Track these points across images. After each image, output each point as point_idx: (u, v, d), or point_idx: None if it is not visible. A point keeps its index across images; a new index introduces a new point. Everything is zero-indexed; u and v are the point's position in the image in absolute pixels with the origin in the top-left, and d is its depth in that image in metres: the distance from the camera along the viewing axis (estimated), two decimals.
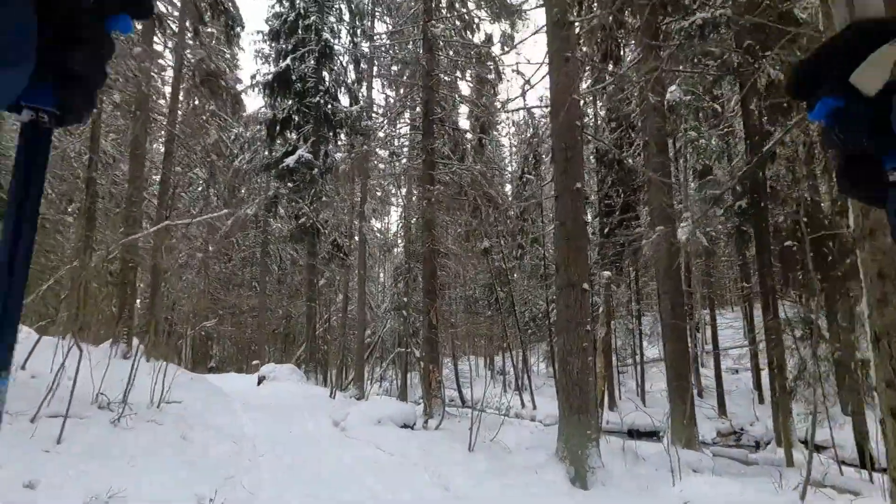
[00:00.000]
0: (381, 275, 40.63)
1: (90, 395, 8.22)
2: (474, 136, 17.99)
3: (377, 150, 24.65)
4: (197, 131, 15.92)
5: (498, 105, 20.44)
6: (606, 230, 23.49)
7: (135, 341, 17.47)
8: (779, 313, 13.84)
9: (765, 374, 19.39)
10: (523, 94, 14.25)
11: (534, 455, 9.19)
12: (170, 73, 16.44)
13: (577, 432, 7.43)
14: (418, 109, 19.43)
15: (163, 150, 17.17)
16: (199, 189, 26.87)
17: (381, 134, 27.01)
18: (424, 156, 15.91)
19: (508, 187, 28.17)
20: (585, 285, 7.72)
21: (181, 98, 16.32)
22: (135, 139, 14.91)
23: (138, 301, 18.35)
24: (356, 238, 24.39)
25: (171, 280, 25.37)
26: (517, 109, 25.16)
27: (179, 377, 13.61)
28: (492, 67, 20.58)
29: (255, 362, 22.93)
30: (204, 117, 17.59)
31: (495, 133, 22.34)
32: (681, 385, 10.53)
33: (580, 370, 7.59)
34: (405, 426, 10.31)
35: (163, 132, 15.48)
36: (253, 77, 26.94)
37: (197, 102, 18.36)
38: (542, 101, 25.50)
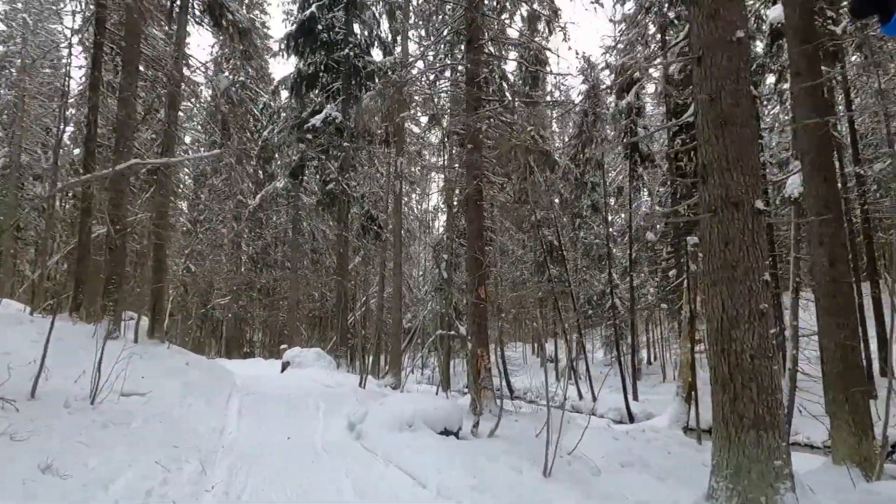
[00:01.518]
0: (422, 257, 37.47)
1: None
2: (527, 75, 14.46)
3: (415, 110, 21.39)
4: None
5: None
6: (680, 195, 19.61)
7: (134, 322, 14.78)
8: None
9: None
10: None
11: (648, 486, 5.79)
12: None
13: (756, 462, 3.96)
14: (460, 68, 16.07)
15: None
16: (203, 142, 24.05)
17: (417, 98, 23.76)
18: (469, 103, 12.51)
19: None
20: (759, 203, 4.25)
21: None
22: (124, 79, 12.03)
23: (131, 274, 15.56)
24: (391, 212, 21.30)
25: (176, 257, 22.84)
26: None
27: (171, 362, 10.73)
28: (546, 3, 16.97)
29: (282, 346, 20.09)
30: (210, 56, 14.61)
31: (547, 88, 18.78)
32: (850, 378, 6.90)
33: (756, 350, 4.12)
34: (446, 432, 7.01)
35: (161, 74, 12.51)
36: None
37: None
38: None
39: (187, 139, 23.55)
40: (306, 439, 7.06)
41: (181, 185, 29.79)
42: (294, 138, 19.32)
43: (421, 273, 37.63)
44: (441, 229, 32.42)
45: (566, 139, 23.60)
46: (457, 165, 22.37)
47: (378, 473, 5.36)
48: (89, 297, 12.53)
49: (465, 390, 26.03)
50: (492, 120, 12.45)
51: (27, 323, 9.87)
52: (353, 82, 19.40)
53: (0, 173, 24.15)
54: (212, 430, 6.82)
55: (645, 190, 22.68)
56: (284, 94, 24.91)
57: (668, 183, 20.64)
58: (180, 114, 18.30)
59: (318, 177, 20.51)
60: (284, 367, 17.11)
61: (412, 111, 19.69)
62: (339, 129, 18.44)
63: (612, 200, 24.31)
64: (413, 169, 26.32)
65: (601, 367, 27.56)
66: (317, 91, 19.51)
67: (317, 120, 18.23)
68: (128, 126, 11.66)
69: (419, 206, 32.51)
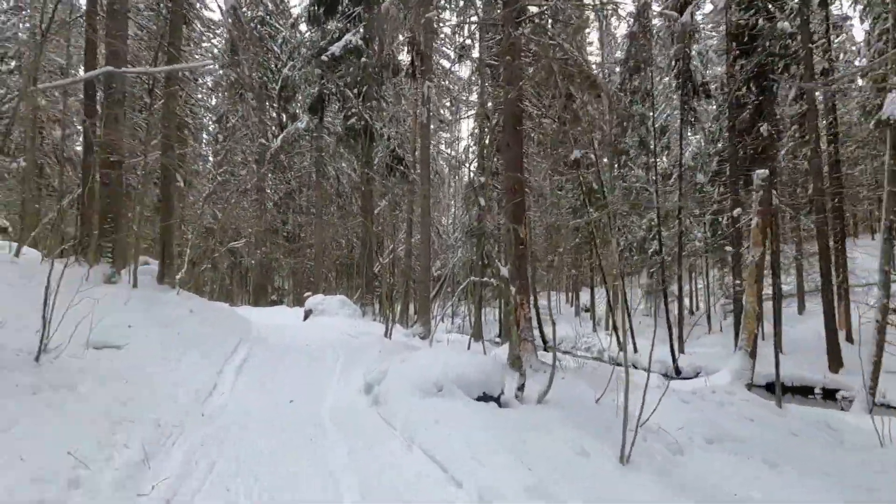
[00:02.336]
0: (452, 203, 35.66)
1: None
2: None
3: (443, 39, 19.23)
4: None
5: None
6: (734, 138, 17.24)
7: (145, 267, 13.56)
8: None
9: None
10: None
11: (760, 476, 4.18)
12: None
13: None
14: None
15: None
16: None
17: (447, 30, 21.48)
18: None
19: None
20: None
21: None
22: None
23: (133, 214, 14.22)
24: (418, 153, 19.49)
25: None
26: None
27: (171, 310, 9.40)
28: None
29: (306, 294, 18.85)
30: None
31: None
32: None
33: None
34: (485, 397, 5.47)
35: None
36: None
37: None
38: None
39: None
40: (312, 404, 5.61)
41: (203, 130, 28.38)
42: (313, 70, 17.45)
43: (450, 221, 35.94)
44: (472, 174, 30.50)
45: (612, 67, 21.10)
46: (490, 104, 20.33)
47: (396, 461, 3.84)
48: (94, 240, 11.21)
49: (498, 340, 24.70)
50: (536, 21, 10.39)
51: (6, 264, 8.61)
52: (377, 8, 17.28)
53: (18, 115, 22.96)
54: (194, 393, 5.41)
55: (695, 127, 20.30)
56: (304, 28, 22.90)
57: (727, 116, 18.22)
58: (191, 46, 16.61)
59: (340, 114, 18.70)
60: (307, 315, 15.86)
61: (439, 35, 17.59)
62: (361, 56, 16.48)
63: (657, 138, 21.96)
64: (441, 110, 24.27)
65: (640, 318, 25.79)
66: (337, 17, 17.45)
67: (336, 48, 16.27)
68: (120, 38, 9.99)
69: (448, 151, 30.51)
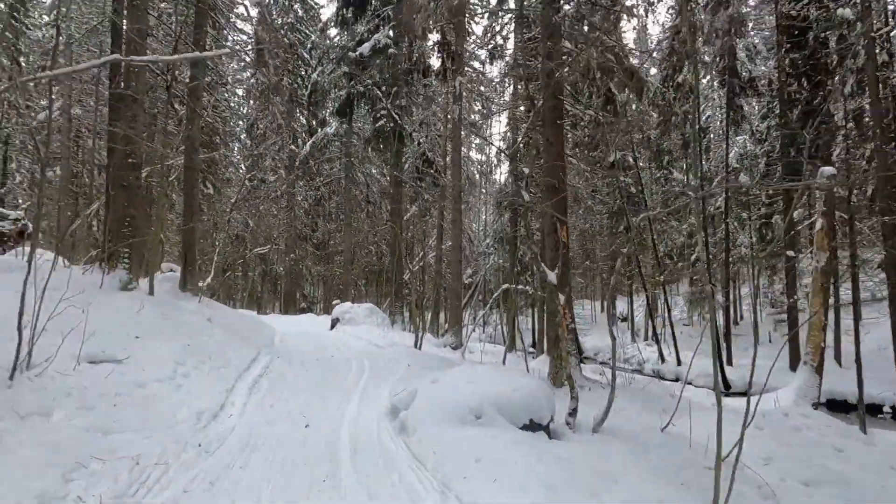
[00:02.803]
0: (483, 210, 34.74)
1: None
2: None
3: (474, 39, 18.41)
4: None
5: None
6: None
7: (167, 273, 13.03)
8: None
9: None
10: None
11: None
12: None
13: None
14: None
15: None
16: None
17: (478, 30, 20.60)
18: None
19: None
20: None
21: None
22: None
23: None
24: (448, 158, 18.71)
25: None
26: None
27: (186, 318, 8.74)
28: None
29: (334, 302, 18.18)
30: None
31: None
32: None
33: None
34: (532, 426, 4.55)
35: None
36: None
37: None
38: None
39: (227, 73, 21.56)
40: (330, 429, 4.77)
41: (235, 138, 28.18)
42: (341, 73, 16.84)
43: (481, 227, 34.99)
44: (502, 179, 29.54)
45: (652, 64, 19.96)
46: (522, 108, 19.43)
47: None
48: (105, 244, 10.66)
49: (532, 350, 23.64)
50: (579, 10, 9.51)
51: (17, 271, 8.08)
52: (406, 3, 16.59)
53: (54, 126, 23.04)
54: (195, 417, 4.63)
55: (741, 127, 18.99)
56: (334, 31, 22.43)
57: (776, 113, 16.93)
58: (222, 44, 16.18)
59: (369, 116, 18.04)
60: (334, 323, 15.15)
61: (470, 34, 16.79)
62: (390, 56, 15.78)
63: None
64: (472, 115, 23.48)
65: (679, 327, 24.38)
66: (366, 19, 16.80)
67: (365, 48, 15.61)
68: (139, 33, 9.44)
69: (479, 157, 29.67)
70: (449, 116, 14.79)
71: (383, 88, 16.66)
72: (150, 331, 7.04)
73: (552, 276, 5.51)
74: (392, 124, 15.79)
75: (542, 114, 9.34)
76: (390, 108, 15.43)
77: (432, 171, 17.51)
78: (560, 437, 4.68)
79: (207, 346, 7.44)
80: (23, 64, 22.74)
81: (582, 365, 15.48)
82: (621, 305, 28.96)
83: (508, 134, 20.49)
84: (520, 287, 14.22)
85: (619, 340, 22.36)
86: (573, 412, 5.01)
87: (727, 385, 16.19)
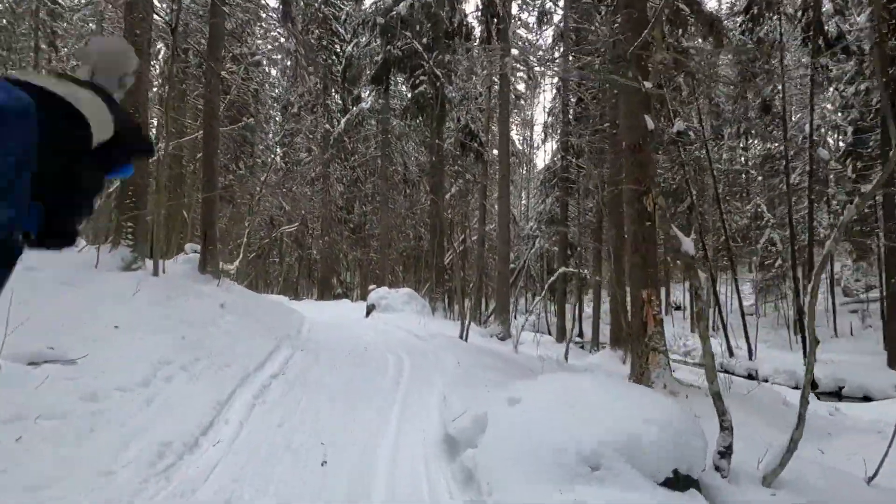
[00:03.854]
0: (524, 194, 32.68)
1: None
2: None
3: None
4: None
5: None
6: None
7: (189, 251, 11.66)
8: None
9: None
10: None
11: None
12: None
13: None
14: None
15: None
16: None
17: None
18: None
19: None
20: None
21: None
22: None
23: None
24: (495, 127, 16.89)
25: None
26: None
27: (194, 304, 7.23)
28: None
29: (370, 287, 16.64)
30: None
31: None
32: None
33: None
34: (678, 480, 2.73)
35: None
36: None
37: None
38: None
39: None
40: (358, 471, 3.09)
41: (271, 120, 26.89)
42: (376, 41, 15.11)
43: (522, 211, 32.95)
44: (546, 159, 27.43)
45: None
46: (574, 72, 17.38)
47: None
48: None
49: (578, 339, 21.64)
50: None
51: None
52: None
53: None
54: (158, 452, 3.01)
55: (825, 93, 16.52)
56: (369, 1, 20.78)
57: (866, 76, 14.44)
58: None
59: (407, 84, 16.29)
60: (369, 310, 13.57)
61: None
62: (431, 17, 13.96)
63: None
64: (518, 84, 21.49)
65: (737, 317, 21.95)
66: None
67: (402, 7, 13.83)
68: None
69: (522, 135, 27.61)
70: (495, 79, 12.92)
71: (424, 41, 14.85)
72: (137, 319, 5.52)
73: (689, 245, 3.67)
74: (433, 90, 13.99)
75: (629, 53, 7.40)
76: (432, 64, 13.59)
77: (476, 145, 15.67)
78: (717, 498, 2.87)
79: (211, 338, 5.88)
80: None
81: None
82: (676, 292, 26.62)
83: (557, 105, 18.46)
84: (577, 271, 12.37)
85: (675, 330, 20.00)
86: (726, 451, 3.18)
87: (814, 384, 13.93)
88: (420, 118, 15.27)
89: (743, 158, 26.05)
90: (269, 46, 17.85)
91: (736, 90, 14.13)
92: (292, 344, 7.54)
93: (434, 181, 15.01)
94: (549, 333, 20.11)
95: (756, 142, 18.26)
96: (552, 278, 11.13)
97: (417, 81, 13.94)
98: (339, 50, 24.14)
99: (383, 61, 14.80)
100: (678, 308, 25.49)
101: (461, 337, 9.85)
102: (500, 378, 6.11)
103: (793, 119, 16.88)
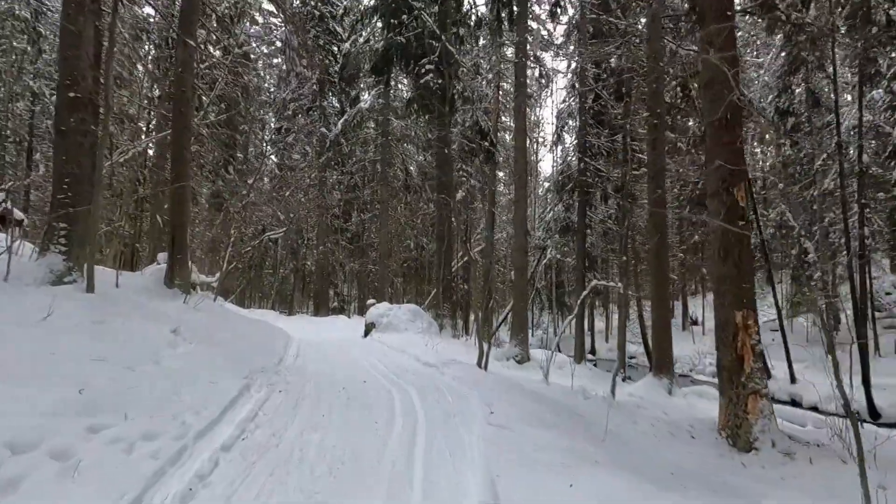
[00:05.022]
0: (532, 201, 30.85)
1: None
2: None
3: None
4: None
5: None
6: None
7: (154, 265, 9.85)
8: None
9: None
10: None
11: None
12: None
13: None
14: None
15: None
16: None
17: None
18: None
19: None
20: None
21: None
22: None
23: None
24: (511, 122, 15.16)
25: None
26: None
27: (137, 331, 5.29)
28: None
29: (369, 302, 14.80)
30: None
31: None
32: None
33: None
34: None
35: None
36: None
37: None
38: None
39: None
40: None
41: (259, 123, 25.11)
42: (378, 20, 13.37)
43: (528, 219, 31.13)
44: (554, 167, 25.69)
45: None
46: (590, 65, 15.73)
47: None
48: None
49: (591, 357, 19.72)
50: None
51: None
52: None
53: None
54: None
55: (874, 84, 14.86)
56: None
57: None
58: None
59: (410, 77, 14.55)
60: (368, 329, 11.69)
61: None
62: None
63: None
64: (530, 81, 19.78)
65: (769, 334, 20.12)
66: None
67: None
68: None
69: (535, 134, 25.90)
70: (504, 75, 11.15)
71: (428, 47, 13.13)
72: (26, 360, 3.66)
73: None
74: (439, 82, 12.24)
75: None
76: (443, 46, 11.80)
77: (486, 143, 13.91)
78: None
79: (140, 385, 4.02)
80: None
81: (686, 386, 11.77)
82: (693, 306, 24.79)
83: (574, 104, 16.73)
84: (609, 284, 10.57)
85: (698, 347, 18.05)
86: None
87: (875, 413, 12.10)
88: (425, 114, 13.49)
89: (760, 163, 24.36)
90: (257, 28, 16.11)
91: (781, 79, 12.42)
92: (269, 381, 5.68)
93: (442, 181, 13.21)
94: (560, 350, 18.25)
95: (785, 142, 16.54)
96: (585, 293, 9.29)
97: (423, 71, 12.18)
98: (335, 50, 22.50)
99: (384, 50, 13.02)
100: (695, 323, 23.65)
101: (479, 365, 8.00)
102: (558, 439, 4.26)
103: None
